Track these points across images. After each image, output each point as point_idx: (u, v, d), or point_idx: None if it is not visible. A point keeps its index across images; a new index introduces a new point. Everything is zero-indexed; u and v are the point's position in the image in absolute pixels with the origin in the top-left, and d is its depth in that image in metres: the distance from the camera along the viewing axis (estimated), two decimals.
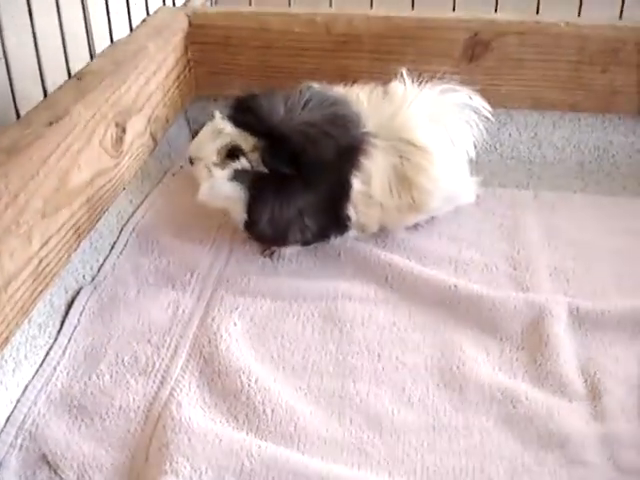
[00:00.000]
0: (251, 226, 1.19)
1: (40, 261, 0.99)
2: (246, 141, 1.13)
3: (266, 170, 1.13)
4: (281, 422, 0.96)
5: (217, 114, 1.16)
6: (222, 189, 1.15)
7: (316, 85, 1.20)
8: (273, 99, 1.14)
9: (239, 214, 1.19)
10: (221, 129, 1.14)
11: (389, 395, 1.00)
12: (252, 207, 1.16)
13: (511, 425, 0.96)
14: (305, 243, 1.22)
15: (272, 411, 0.97)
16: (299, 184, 1.13)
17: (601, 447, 0.92)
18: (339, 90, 1.24)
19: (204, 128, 1.18)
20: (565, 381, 1.01)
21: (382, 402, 0.99)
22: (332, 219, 1.19)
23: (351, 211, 1.19)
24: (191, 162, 1.17)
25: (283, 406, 0.97)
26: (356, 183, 1.16)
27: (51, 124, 1.02)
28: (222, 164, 1.14)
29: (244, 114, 1.14)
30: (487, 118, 1.28)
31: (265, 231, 1.18)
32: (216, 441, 0.92)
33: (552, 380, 1.02)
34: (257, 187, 1.15)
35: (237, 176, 1.14)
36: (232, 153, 1.14)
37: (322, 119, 1.13)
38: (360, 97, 1.23)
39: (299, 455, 0.91)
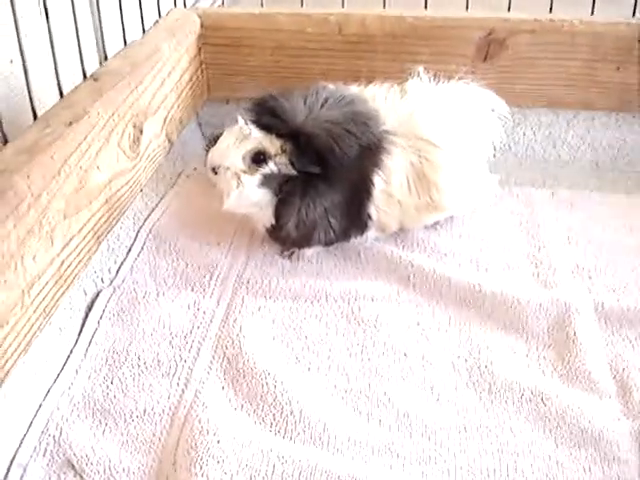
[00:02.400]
0: (278, 230, 1.17)
1: (62, 263, 0.98)
2: (272, 144, 1.11)
3: (293, 172, 1.11)
4: (309, 423, 0.94)
5: (240, 119, 1.13)
6: (252, 196, 1.12)
7: (331, 85, 1.19)
8: (292, 99, 1.13)
9: (266, 219, 1.16)
10: (246, 134, 1.11)
11: (417, 395, 0.99)
12: (280, 211, 1.14)
13: (543, 423, 0.95)
14: (328, 243, 1.21)
15: (300, 412, 0.95)
16: (324, 184, 1.12)
17: (634, 443, 0.92)
18: (354, 89, 1.23)
19: (224, 134, 1.15)
20: (594, 378, 1.00)
21: (411, 402, 0.98)
22: (354, 218, 1.18)
23: (372, 210, 1.18)
24: (214, 171, 1.14)
25: (311, 407, 0.96)
26: (378, 182, 1.15)
27: (70, 124, 1.01)
28: (250, 170, 1.11)
29: (267, 116, 1.12)
30: (504, 116, 1.27)
31: (291, 233, 1.16)
32: (246, 443, 0.90)
33: (581, 377, 1.01)
34: (285, 190, 1.12)
35: (266, 181, 1.12)
36: (258, 158, 1.11)
37: (343, 117, 1.12)
38: (377, 96, 1.23)
39: (330, 456, 0.90)
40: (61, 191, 0.96)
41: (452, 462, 0.90)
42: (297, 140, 1.10)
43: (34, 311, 0.92)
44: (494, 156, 1.30)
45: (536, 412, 0.96)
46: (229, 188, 1.12)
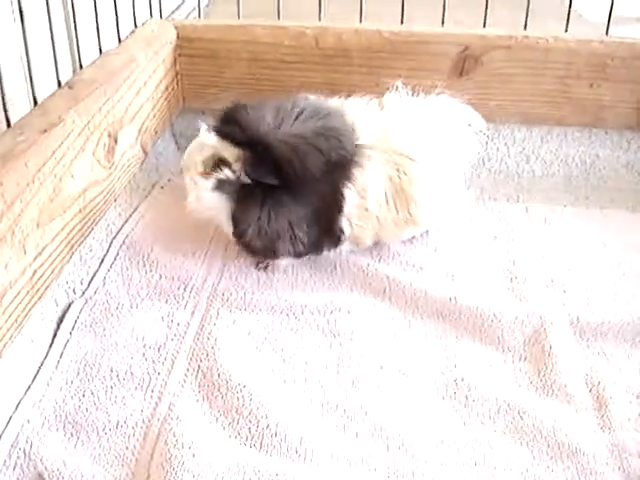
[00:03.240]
0: (239, 237, 1.17)
1: (34, 272, 0.96)
2: (229, 152, 1.12)
3: (248, 181, 1.12)
4: (286, 437, 0.93)
5: (202, 126, 1.17)
6: (206, 199, 1.14)
7: (311, 96, 1.19)
8: (262, 110, 1.12)
9: (226, 224, 1.18)
10: (205, 140, 1.14)
11: (394, 408, 0.98)
12: (237, 217, 1.15)
13: (519, 436, 0.94)
14: (297, 255, 1.20)
15: (276, 425, 0.94)
16: (287, 196, 1.13)
17: (610, 456, 0.92)
18: (334, 102, 1.23)
19: (194, 140, 1.18)
20: (570, 391, 1.00)
21: (387, 415, 0.97)
22: (325, 232, 1.18)
23: (345, 224, 1.18)
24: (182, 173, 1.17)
25: (287, 420, 0.95)
26: (350, 196, 1.15)
27: (45, 131, 0.99)
28: (207, 175, 1.13)
29: (228, 125, 1.13)
30: (481, 131, 1.28)
31: (254, 242, 1.16)
32: (221, 456, 0.89)
33: (557, 390, 1.01)
34: (242, 197, 1.14)
35: (220, 186, 1.13)
36: (216, 164, 1.13)
37: (312, 132, 1.11)
38: (355, 109, 1.23)
39: (306, 469, 0.89)
40: (35, 199, 0.95)
41: (429, 475, 0.89)
42: (254, 150, 1.10)
43: (5, 321, 0.90)
44: (469, 168, 1.31)
45: (513, 425, 0.96)
46: (189, 190, 1.16)
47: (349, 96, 1.26)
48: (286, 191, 1.12)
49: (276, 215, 1.13)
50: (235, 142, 1.12)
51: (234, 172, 1.12)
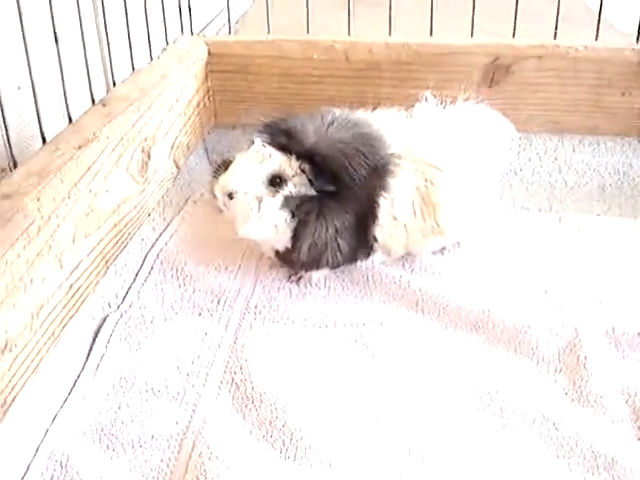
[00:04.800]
0: (291, 252, 1.15)
1: (70, 286, 0.97)
2: (291, 165, 1.11)
3: (312, 192, 1.11)
4: (320, 450, 0.93)
5: (257, 140, 1.12)
6: (273, 219, 1.11)
7: (335, 109, 1.19)
8: (301, 121, 1.13)
9: (282, 242, 1.15)
10: (265, 156, 1.10)
11: (428, 420, 0.98)
12: (299, 233, 1.13)
13: (555, 448, 0.93)
14: (335, 266, 1.20)
15: (310, 438, 0.94)
16: (336, 204, 1.12)
17: None
18: (360, 114, 1.23)
19: (238, 159, 1.13)
20: (606, 402, 0.99)
21: (422, 427, 0.96)
22: (361, 240, 1.17)
23: (378, 232, 1.17)
24: (230, 197, 1.11)
25: (321, 433, 0.94)
26: (384, 204, 1.15)
27: (80, 147, 1.01)
28: (270, 192, 1.10)
29: (283, 137, 1.11)
30: (512, 139, 1.27)
31: (302, 256, 1.15)
32: (256, 469, 0.89)
33: (593, 402, 1.00)
34: (303, 211, 1.12)
35: (286, 203, 1.11)
36: (274, 181, 1.10)
37: (352, 137, 1.12)
38: (383, 120, 1.23)
39: None
40: (70, 214, 0.96)
41: None
42: (312, 160, 1.10)
43: (42, 334, 0.91)
44: (501, 178, 1.30)
45: (548, 437, 0.95)
46: (248, 213, 1.10)
47: (376, 108, 1.27)
48: (335, 199, 1.12)
49: (327, 225, 1.12)
50: (296, 154, 1.10)
51: (296, 186, 1.11)
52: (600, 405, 0.99)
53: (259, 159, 1.11)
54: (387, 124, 1.22)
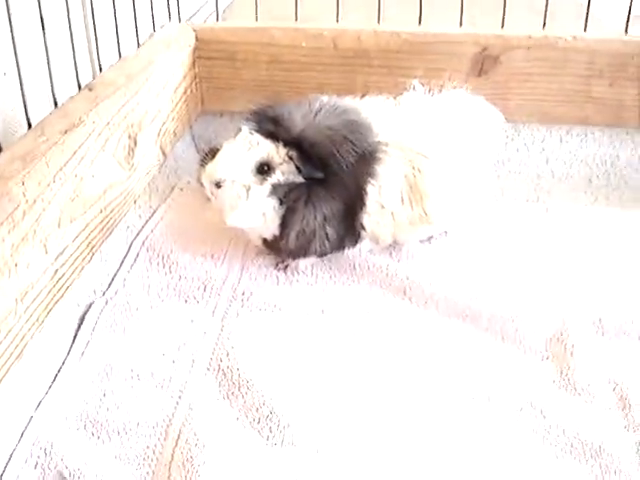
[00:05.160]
0: (279, 240, 1.15)
1: (55, 272, 0.96)
2: (278, 152, 1.10)
3: (299, 180, 1.10)
4: (307, 436, 0.92)
5: (244, 128, 1.11)
6: (261, 207, 1.10)
7: (323, 97, 1.18)
8: (289, 108, 1.12)
9: (270, 230, 1.15)
10: (253, 144, 1.09)
11: (415, 408, 0.97)
12: (287, 220, 1.12)
13: (543, 435, 0.93)
14: (322, 254, 1.20)
15: (297, 425, 0.93)
16: (325, 191, 1.11)
17: (636, 456, 0.90)
18: (348, 101, 1.22)
19: (225, 146, 1.12)
20: (593, 391, 0.99)
21: (408, 415, 0.96)
22: (349, 228, 1.17)
23: (366, 220, 1.17)
24: (218, 185, 1.11)
25: (308, 420, 0.94)
26: (372, 191, 1.15)
27: (66, 132, 1.00)
28: (259, 181, 1.09)
29: (270, 124, 1.10)
30: (500, 128, 1.27)
31: (291, 243, 1.14)
32: (243, 455, 0.88)
33: (580, 390, 1.00)
34: (292, 199, 1.11)
35: (274, 191, 1.10)
36: (262, 168, 1.09)
37: (340, 124, 1.12)
38: (370, 108, 1.22)
39: (330, 468, 0.88)
40: (56, 199, 0.95)
41: (452, 474, 0.88)
42: (300, 147, 1.09)
43: (27, 320, 0.90)
44: (488, 168, 1.30)
45: (536, 425, 0.94)
46: (236, 201, 1.10)
47: (364, 96, 1.26)
48: (323, 186, 1.11)
49: (315, 213, 1.12)
50: (284, 141, 1.09)
51: (283, 174, 1.10)
52: (587, 393, 0.99)
53: (246, 147, 1.09)
54: (375, 112, 1.21)
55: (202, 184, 1.13)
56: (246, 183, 1.09)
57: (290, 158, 1.10)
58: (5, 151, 0.95)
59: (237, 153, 1.10)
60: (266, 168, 1.09)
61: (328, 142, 1.09)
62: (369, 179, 1.14)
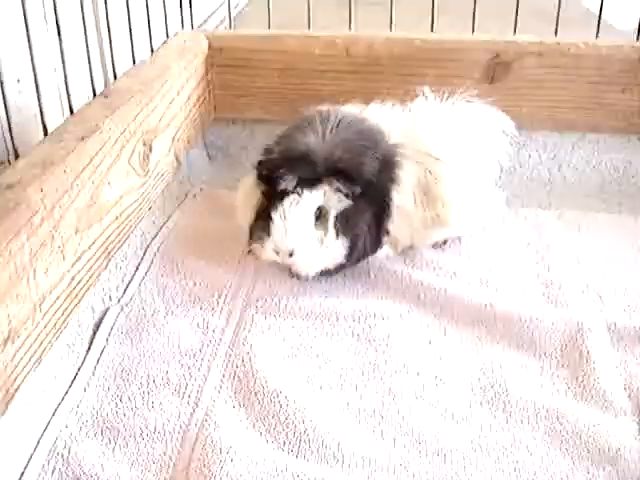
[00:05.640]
0: (344, 266, 1.16)
1: (72, 278, 0.97)
2: (325, 193, 1.09)
3: (348, 202, 1.10)
4: (323, 442, 0.92)
5: (286, 185, 1.08)
6: (334, 250, 1.11)
7: (323, 108, 1.18)
8: (303, 140, 1.11)
9: (337, 261, 1.14)
10: (303, 198, 1.08)
11: (431, 413, 0.97)
12: (353, 247, 1.13)
13: (559, 442, 0.93)
14: (357, 262, 1.19)
15: (313, 431, 0.93)
16: (363, 203, 1.12)
17: None
18: (347, 110, 1.22)
19: (286, 214, 1.08)
20: (609, 397, 0.99)
21: (425, 420, 0.96)
22: (376, 235, 1.17)
23: (390, 225, 1.17)
24: (291, 255, 1.10)
25: (324, 426, 0.94)
26: (395, 196, 1.15)
27: (83, 139, 1.00)
28: (322, 228, 1.10)
29: (301, 167, 1.08)
30: (511, 133, 1.28)
31: (353, 264, 1.17)
32: (259, 461, 0.88)
33: (596, 396, 0.99)
34: (349, 224, 1.11)
35: (336, 227, 1.10)
36: (319, 213, 1.10)
37: (353, 134, 1.12)
38: (377, 115, 1.22)
39: (344, 475, 0.88)
40: (73, 205, 0.96)
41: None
42: (334, 172, 1.08)
43: (45, 326, 0.90)
44: (500, 175, 1.30)
45: (552, 431, 0.94)
46: (314, 260, 1.11)
47: (368, 104, 1.26)
48: (362, 200, 1.11)
49: (365, 228, 1.13)
50: (319, 177, 1.09)
51: (337, 207, 1.10)
52: (603, 399, 0.99)
53: (302, 206, 1.08)
54: (382, 118, 1.21)
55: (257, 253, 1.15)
56: (316, 241, 1.10)
57: (338, 190, 1.09)
58: (23, 157, 0.96)
59: (296, 218, 1.08)
60: (320, 212, 1.10)
61: (351, 155, 1.09)
62: (393, 185, 1.14)
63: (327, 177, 1.08)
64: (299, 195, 1.08)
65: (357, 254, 1.15)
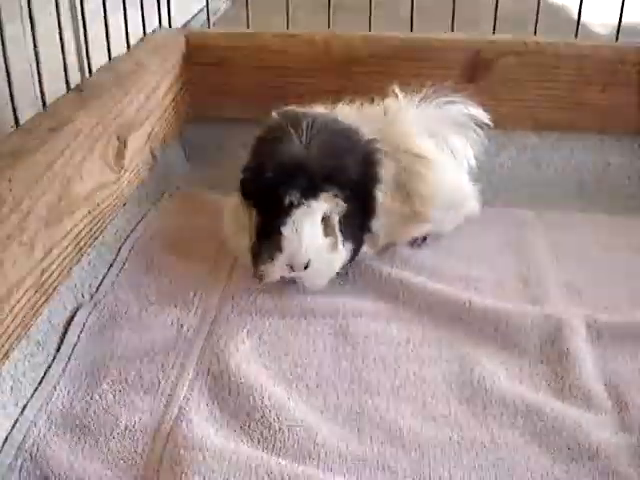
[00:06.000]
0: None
1: (42, 272, 0.94)
2: (326, 200, 1.08)
3: (344, 207, 1.10)
4: (299, 440, 0.90)
5: (292, 200, 1.06)
6: (344, 257, 1.12)
7: (289, 111, 1.17)
8: (288, 149, 1.09)
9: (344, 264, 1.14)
10: (309, 211, 1.07)
11: (409, 410, 0.96)
12: (355, 249, 1.14)
13: (539, 438, 0.92)
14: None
15: (288, 429, 0.92)
16: (353, 205, 1.11)
17: (632, 458, 0.89)
18: (319, 110, 1.21)
19: (299, 225, 1.06)
20: (589, 393, 0.98)
21: (403, 418, 0.94)
22: (360, 234, 1.16)
23: (373, 223, 1.16)
24: (306, 267, 1.08)
25: (300, 423, 0.92)
26: (378, 194, 1.14)
27: (54, 130, 0.98)
28: (330, 235, 1.09)
29: (301, 178, 1.06)
30: (487, 126, 1.27)
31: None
32: (233, 458, 0.86)
33: (576, 393, 0.99)
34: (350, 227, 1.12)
35: (342, 232, 1.11)
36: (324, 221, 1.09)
37: (331, 137, 1.11)
38: (348, 114, 1.21)
39: (321, 472, 0.86)
40: (43, 198, 0.93)
41: (447, 477, 0.86)
42: (328, 179, 1.07)
43: (12, 320, 0.88)
44: (477, 179, 1.30)
45: (532, 427, 0.93)
46: (328, 270, 1.11)
47: (343, 102, 1.25)
48: (350, 203, 1.10)
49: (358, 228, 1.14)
50: (316, 186, 1.07)
51: (336, 212, 1.09)
52: (583, 396, 0.98)
53: (312, 217, 1.07)
54: (354, 118, 1.20)
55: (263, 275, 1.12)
56: (326, 248, 1.09)
57: (335, 196, 1.08)
58: None
59: (304, 227, 1.06)
60: (326, 220, 1.09)
61: (337, 159, 1.09)
62: (376, 183, 1.14)
63: (323, 184, 1.07)
64: (308, 207, 1.06)
65: (355, 255, 1.15)
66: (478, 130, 1.29)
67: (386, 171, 1.15)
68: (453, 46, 1.43)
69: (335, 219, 1.09)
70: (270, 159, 1.08)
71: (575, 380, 1.00)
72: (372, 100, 1.27)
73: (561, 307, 1.13)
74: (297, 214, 1.06)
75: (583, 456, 0.89)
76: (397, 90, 1.27)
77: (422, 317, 1.12)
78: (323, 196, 1.07)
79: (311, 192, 1.06)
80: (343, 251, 1.11)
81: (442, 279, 1.20)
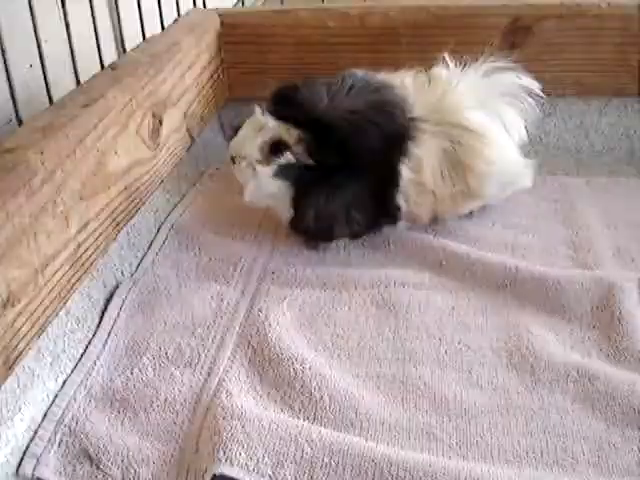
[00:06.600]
0: (297, 222, 1.14)
1: (78, 246, 0.94)
2: (289, 134, 1.08)
3: (311, 162, 1.08)
4: (340, 409, 0.88)
5: (257, 109, 1.12)
6: (268, 187, 1.10)
7: (359, 71, 1.15)
8: (314, 88, 1.10)
9: (285, 211, 1.14)
10: (263, 124, 1.09)
11: (455, 378, 0.93)
12: (298, 202, 1.11)
13: (591, 403, 0.88)
14: (354, 236, 1.17)
15: (330, 398, 0.89)
16: (345, 175, 1.09)
17: None
18: (382, 76, 1.19)
19: (244, 125, 1.13)
20: None
21: (448, 386, 0.91)
22: (382, 210, 1.14)
23: (401, 201, 1.13)
24: (233, 161, 1.12)
25: (341, 392, 0.90)
26: (405, 171, 1.11)
27: (86, 106, 0.98)
28: (266, 160, 1.09)
29: (285, 106, 1.09)
30: (539, 96, 1.22)
31: (310, 225, 1.12)
32: (272, 427, 0.84)
33: (629, 357, 0.94)
34: (303, 181, 1.09)
35: (282, 172, 1.09)
36: (276, 148, 1.08)
37: (366, 106, 1.09)
38: (405, 82, 1.18)
39: (363, 441, 0.83)
40: (77, 171, 0.93)
41: (495, 444, 0.83)
42: (316, 130, 1.06)
43: (48, 292, 0.87)
44: (522, 148, 1.25)
45: (584, 392, 0.89)
46: (246, 179, 1.11)
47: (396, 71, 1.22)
48: (343, 171, 1.08)
49: (334, 197, 1.10)
50: (296, 123, 1.07)
51: (296, 155, 1.08)
52: (637, 360, 0.93)
53: (258, 126, 1.09)
54: (408, 86, 1.17)
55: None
56: (252, 161, 1.09)
57: (302, 140, 1.07)
58: (25, 124, 0.94)
59: (249, 131, 1.11)
60: (280, 148, 1.08)
61: (347, 126, 1.06)
62: (402, 159, 1.11)
63: (307, 130, 1.07)
64: (262, 115, 1.11)
65: (322, 222, 1.12)
66: (530, 100, 1.24)
67: (427, 149, 1.11)
68: (492, 12, 1.39)
69: (287, 157, 1.08)
70: (296, 85, 1.11)
71: (628, 344, 0.96)
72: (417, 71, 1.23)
73: (612, 271, 1.08)
74: (251, 118, 1.12)
75: (638, 420, 0.85)
76: (446, 58, 1.23)
77: (467, 285, 1.09)
78: (282, 125, 1.07)
79: (278, 115, 1.08)
80: (271, 184, 1.10)
81: (487, 247, 1.16)
